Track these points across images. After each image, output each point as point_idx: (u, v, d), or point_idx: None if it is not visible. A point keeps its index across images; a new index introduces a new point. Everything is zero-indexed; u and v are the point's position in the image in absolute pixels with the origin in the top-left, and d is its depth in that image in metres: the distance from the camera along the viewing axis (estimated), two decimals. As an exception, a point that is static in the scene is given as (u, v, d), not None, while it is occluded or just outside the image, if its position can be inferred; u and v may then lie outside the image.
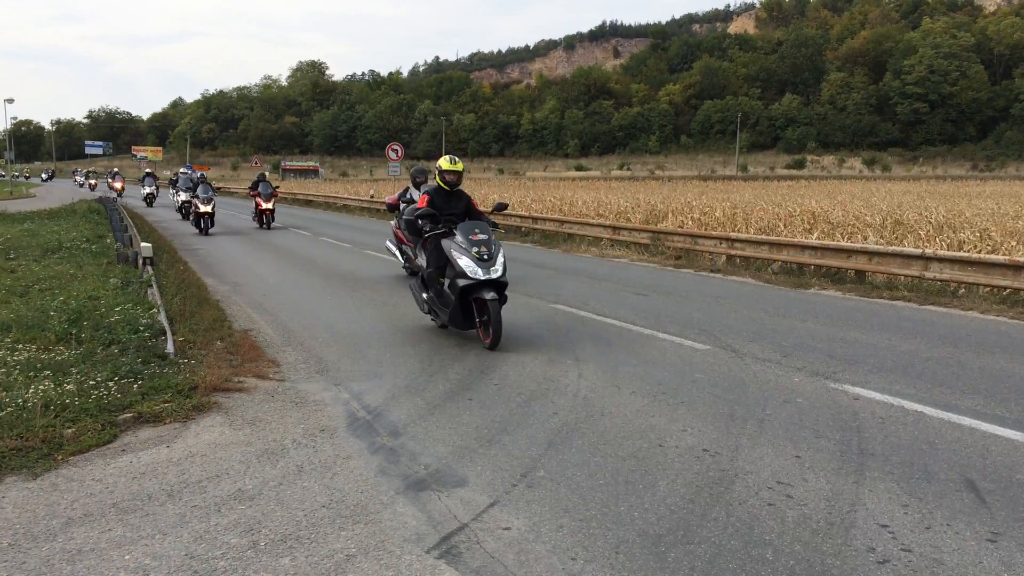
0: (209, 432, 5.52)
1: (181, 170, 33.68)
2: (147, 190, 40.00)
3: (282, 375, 7.12)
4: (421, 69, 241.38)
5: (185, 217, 28.08)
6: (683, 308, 10.72)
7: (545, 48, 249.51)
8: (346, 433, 5.55)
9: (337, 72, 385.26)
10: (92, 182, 65.73)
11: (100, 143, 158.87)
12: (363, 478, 4.71)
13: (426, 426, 5.70)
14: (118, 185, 48.26)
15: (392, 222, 14.23)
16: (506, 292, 8.30)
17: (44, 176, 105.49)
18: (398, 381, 6.94)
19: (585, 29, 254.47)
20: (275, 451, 5.16)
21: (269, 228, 25.23)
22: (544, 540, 3.91)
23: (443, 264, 8.51)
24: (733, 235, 16.15)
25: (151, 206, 38.11)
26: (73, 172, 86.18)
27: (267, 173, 41.07)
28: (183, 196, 28.34)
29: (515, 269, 15.16)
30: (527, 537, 3.94)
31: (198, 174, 30.15)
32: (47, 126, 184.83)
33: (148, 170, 44.04)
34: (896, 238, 16.43)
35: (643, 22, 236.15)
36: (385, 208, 16.78)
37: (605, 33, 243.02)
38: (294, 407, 6.14)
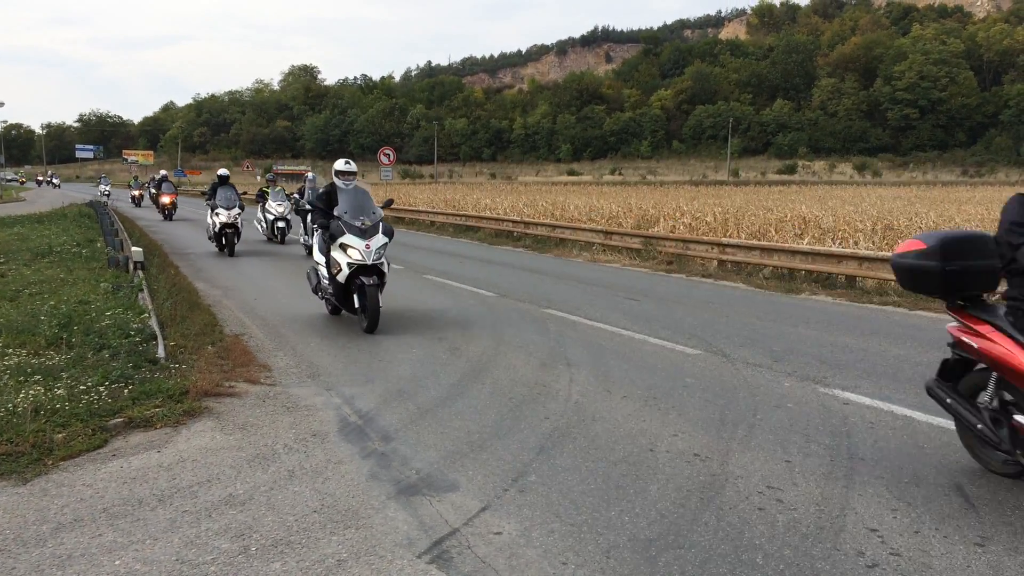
0: (200, 437, 5.51)
1: (308, 175, 20.04)
2: (224, 216, 18.01)
3: (273, 380, 7.11)
4: (413, 74, 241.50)
5: (339, 308, 10.07)
6: (674, 313, 10.74)
7: (537, 53, 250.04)
8: (337, 438, 5.55)
9: (329, 76, 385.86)
10: (136, 192, 45.34)
11: (91, 147, 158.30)
12: (354, 483, 4.71)
13: (417, 431, 5.71)
14: (166, 200, 30.93)
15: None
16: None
17: (55, 182, 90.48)
18: (389, 386, 6.94)
19: (577, 34, 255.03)
20: (266, 456, 5.16)
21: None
22: (535, 545, 3.92)
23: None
24: (724, 240, 16.21)
25: (231, 253, 17.97)
26: (100, 179, 53.70)
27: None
28: (346, 256, 10.26)
29: (507, 274, 15.18)
30: (518, 542, 3.95)
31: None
32: (37, 130, 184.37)
33: (223, 171, 19.88)
34: (886, 243, 16.50)
35: (635, 27, 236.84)
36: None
37: (597, 38, 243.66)
38: (285, 412, 6.14)
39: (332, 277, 9.35)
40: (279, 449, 5.29)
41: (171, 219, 30.36)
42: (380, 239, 9.19)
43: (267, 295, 12.29)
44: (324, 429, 5.74)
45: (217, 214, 18.03)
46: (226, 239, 18.03)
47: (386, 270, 9.28)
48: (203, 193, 19.51)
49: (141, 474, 4.82)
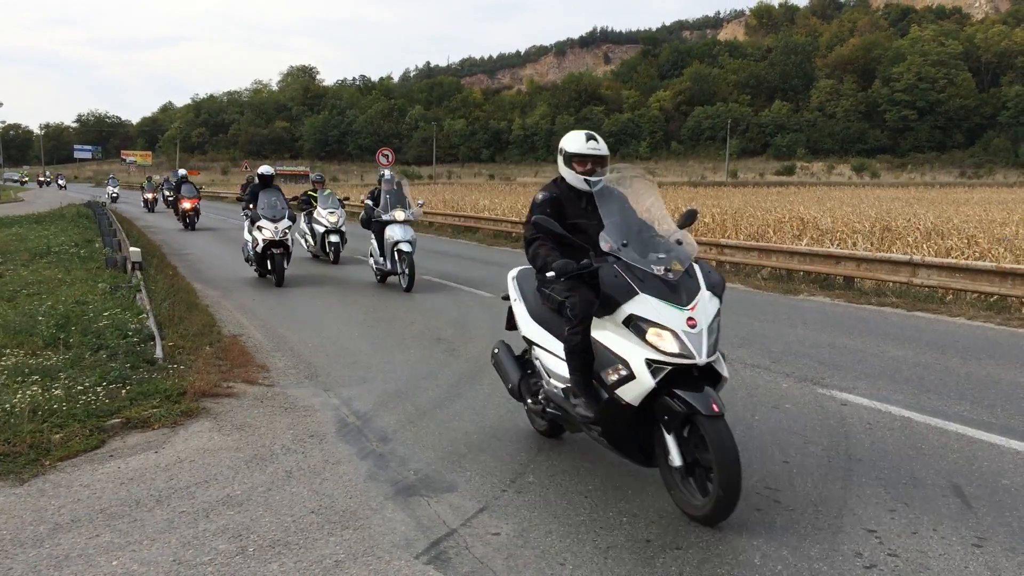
0: (198, 438, 5.50)
1: (386, 173, 14.84)
2: (269, 230, 13.40)
3: (271, 380, 7.10)
4: (412, 74, 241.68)
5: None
6: (673, 314, 10.72)
7: (536, 54, 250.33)
8: (335, 439, 5.54)
9: (328, 77, 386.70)
10: (149, 196, 38.29)
11: (89, 147, 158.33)
12: (352, 484, 4.71)
13: (416, 432, 5.70)
14: (187, 205, 26.84)
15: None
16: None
17: (60, 183, 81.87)
18: (388, 387, 6.93)
19: (576, 35, 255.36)
20: (264, 457, 5.15)
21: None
22: (533, 545, 3.91)
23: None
24: (723, 241, 16.21)
25: (279, 281, 13.38)
26: (108, 179, 49.16)
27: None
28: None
29: (505, 275, 15.17)
30: (516, 542, 3.95)
31: None
32: (36, 130, 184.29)
33: (266, 169, 14.71)
34: (885, 244, 16.52)
35: (634, 28, 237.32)
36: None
37: (596, 39, 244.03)
38: (283, 412, 6.13)
39: (599, 387, 4.43)
40: (277, 450, 5.29)
41: (193, 228, 26.44)
42: (709, 305, 4.26)
43: (263, 295, 12.25)
44: (322, 430, 5.73)
45: (259, 227, 13.34)
46: (273, 262, 13.38)
47: (724, 371, 4.26)
48: (239, 199, 13.81)
49: (139, 475, 4.82)
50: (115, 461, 5.03)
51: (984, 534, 4.03)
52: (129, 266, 13.00)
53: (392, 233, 13.00)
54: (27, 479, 4.70)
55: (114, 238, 17.96)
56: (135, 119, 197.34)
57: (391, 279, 13.81)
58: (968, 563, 3.73)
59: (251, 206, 13.93)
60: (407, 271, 12.74)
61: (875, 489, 4.60)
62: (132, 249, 13.84)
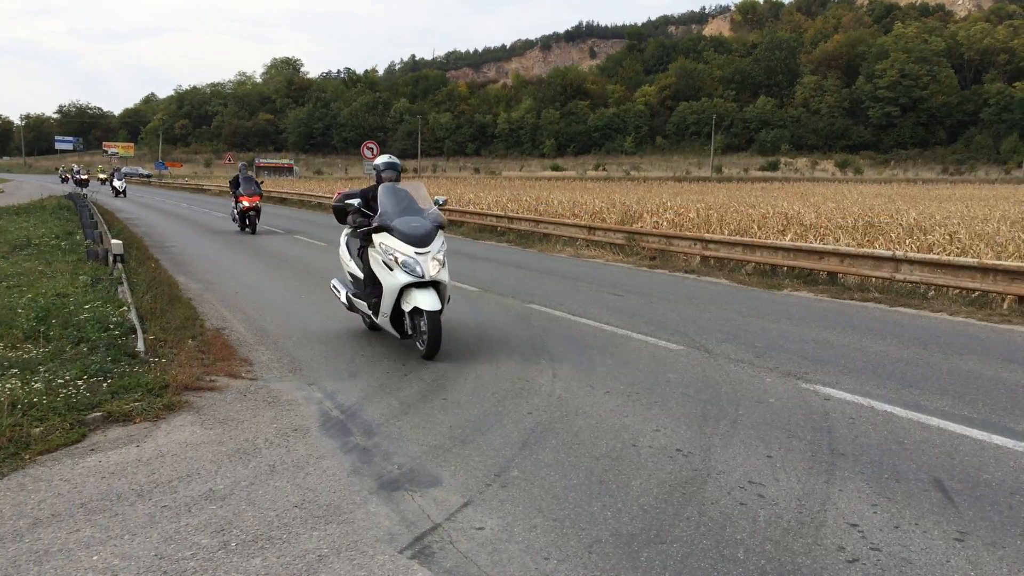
0: (180, 431, 5.46)
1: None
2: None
3: (255, 374, 7.06)
4: (397, 67, 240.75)
5: None
6: (657, 308, 10.76)
7: (521, 48, 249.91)
8: (319, 433, 5.52)
9: (312, 69, 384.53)
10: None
11: (70, 138, 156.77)
12: (336, 478, 4.69)
13: (400, 426, 5.68)
14: (245, 203, 22.32)
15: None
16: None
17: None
18: (372, 381, 6.91)
19: (561, 29, 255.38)
20: (247, 451, 5.12)
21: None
22: (517, 540, 3.91)
23: None
24: (707, 236, 16.25)
25: None
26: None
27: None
28: None
29: (491, 269, 15.16)
30: (500, 537, 3.94)
31: None
32: (16, 120, 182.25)
33: (382, 161, 8.42)
34: (867, 240, 16.61)
35: (619, 23, 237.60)
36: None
37: (581, 34, 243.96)
38: (267, 406, 6.10)
39: None
40: (260, 444, 5.25)
41: (254, 230, 22.49)
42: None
43: (249, 289, 12.17)
44: (306, 424, 5.70)
45: (394, 256, 7.50)
46: (412, 321, 7.76)
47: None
48: (355, 213, 8.32)
49: (120, 469, 4.77)
50: (96, 455, 4.99)
51: (965, 528, 4.06)
52: (110, 258, 12.87)
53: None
54: (6, 473, 4.65)
55: (95, 230, 17.80)
56: (117, 110, 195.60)
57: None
58: (950, 557, 3.76)
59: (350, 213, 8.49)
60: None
61: (858, 483, 4.62)
62: (113, 241, 13.70)
